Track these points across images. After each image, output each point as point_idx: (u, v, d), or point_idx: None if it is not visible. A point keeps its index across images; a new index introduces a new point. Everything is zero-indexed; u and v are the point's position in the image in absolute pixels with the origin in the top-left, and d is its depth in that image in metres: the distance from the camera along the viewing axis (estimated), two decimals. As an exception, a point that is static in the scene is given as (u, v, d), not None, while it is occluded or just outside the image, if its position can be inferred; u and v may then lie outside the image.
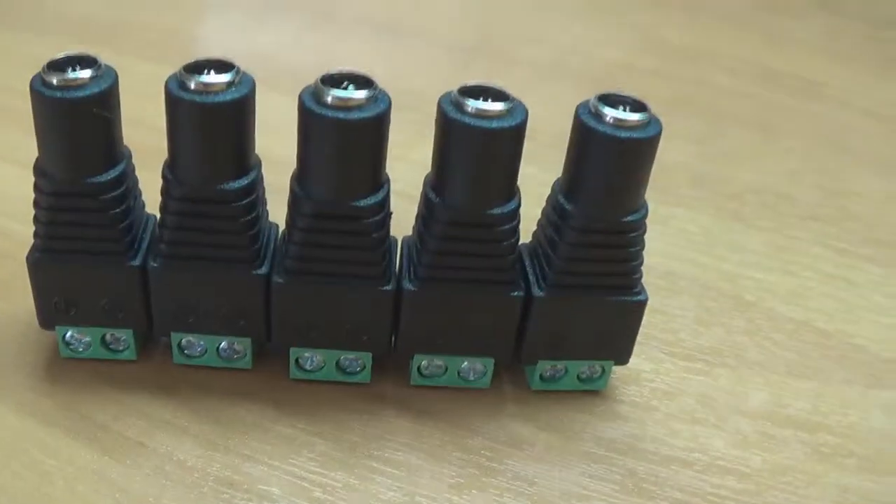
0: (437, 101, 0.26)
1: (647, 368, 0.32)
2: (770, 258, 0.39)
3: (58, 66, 0.26)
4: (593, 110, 0.26)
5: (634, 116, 0.26)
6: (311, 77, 0.26)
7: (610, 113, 0.26)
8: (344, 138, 0.26)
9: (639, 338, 0.32)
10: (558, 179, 0.29)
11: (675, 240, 0.39)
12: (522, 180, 0.28)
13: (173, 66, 0.26)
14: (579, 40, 0.59)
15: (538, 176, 0.29)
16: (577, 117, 0.27)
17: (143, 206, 0.29)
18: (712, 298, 0.36)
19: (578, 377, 0.31)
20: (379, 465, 0.28)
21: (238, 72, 0.26)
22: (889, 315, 0.36)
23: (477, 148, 0.26)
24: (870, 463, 0.30)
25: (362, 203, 0.27)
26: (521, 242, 0.29)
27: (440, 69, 0.54)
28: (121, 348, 0.30)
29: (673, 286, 0.36)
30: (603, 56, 0.57)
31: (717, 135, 0.48)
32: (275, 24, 0.57)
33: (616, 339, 0.30)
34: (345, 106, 0.25)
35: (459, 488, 0.28)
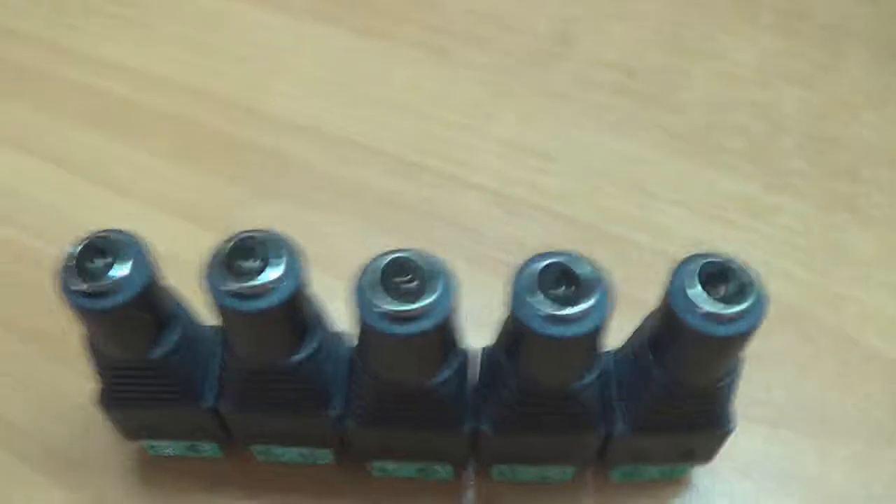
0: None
1: (731, 441, 0.31)
2: (879, 266, 0.35)
3: (83, 263, 0.23)
4: (685, 291, 0.23)
5: (735, 308, 0.23)
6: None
7: (704, 305, 0.23)
8: (405, 349, 0.23)
9: None
10: (648, 321, 0.26)
11: (775, 244, 0.35)
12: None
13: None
14: None
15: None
16: (668, 292, 0.23)
17: (207, 339, 0.27)
18: (811, 337, 0.33)
19: (661, 471, 0.30)
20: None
21: (285, 256, 0.23)
22: None
23: (553, 350, 0.23)
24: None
25: (433, 382, 0.25)
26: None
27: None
28: (205, 450, 0.30)
29: (770, 319, 0.33)
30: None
31: (832, 66, 0.42)
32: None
33: (699, 452, 0.29)
34: (406, 318, 0.23)
35: None
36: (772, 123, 0.39)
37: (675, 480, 0.30)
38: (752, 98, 0.40)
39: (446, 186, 0.37)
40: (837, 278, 0.35)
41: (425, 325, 0.22)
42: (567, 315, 0.22)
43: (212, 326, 0.27)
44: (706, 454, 0.29)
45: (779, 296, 0.34)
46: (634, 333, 0.27)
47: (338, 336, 0.28)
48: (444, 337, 0.24)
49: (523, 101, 0.40)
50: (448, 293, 0.23)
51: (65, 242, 0.23)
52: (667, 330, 0.24)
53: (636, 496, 0.30)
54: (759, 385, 0.32)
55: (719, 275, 0.23)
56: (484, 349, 0.27)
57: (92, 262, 0.23)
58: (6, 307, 0.34)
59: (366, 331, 0.24)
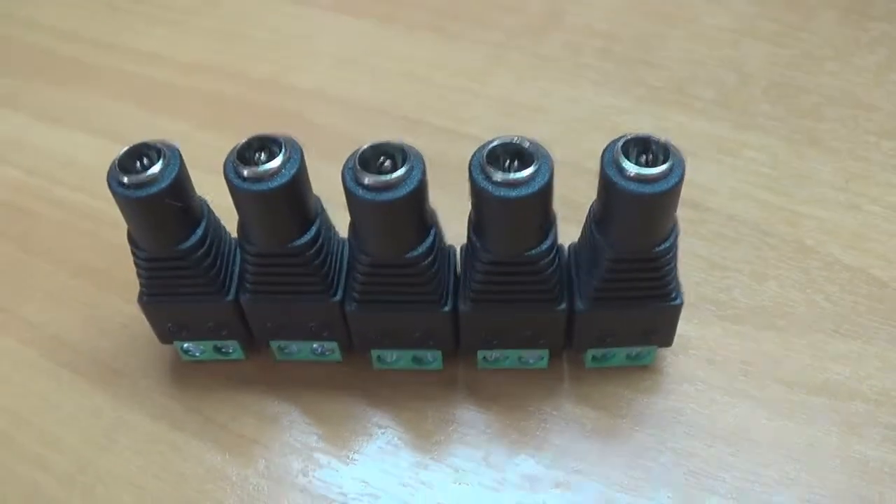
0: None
1: (695, 335, 0.37)
2: (838, 190, 0.41)
3: (126, 163, 0.31)
4: (615, 161, 0.29)
5: (656, 169, 0.29)
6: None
7: (631, 168, 0.29)
8: (383, 215, 0.30)
9: (693, 299, 0.36)
10: (594, 204, 0.32)
11: (743, 174, 0.42)
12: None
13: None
14: None
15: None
16: (602, 165, 0.30)
17: (229, 243, 0.35)
18: (772, 246, 0.39)
19: (627, 356, 0.36)
20: (449, 450, 0.35)
21: (286, 149, 0.30)
22: (950, 255, 0.38)
23: (506, 213, 0.30)
24: (893, 432, 0.34)
25: (413, 254, 0.31)
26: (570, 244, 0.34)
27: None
28: (231, 351, 0.37)
29: (734, 233, 0.39)
30: None
31: (802, 26, 0.49)
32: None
33: (657, 331, 0.35)
34: (383, 187, 0.29)
35: (510, 467, 0.34)
36: (742, 75, 0.46)
37: (644, 367, 0.36)
38: (724, 55, 0.47)
39: (445, 137, 0.44)
40: (799, 199, 0.41)
41: (398, 193, 0.29)
42: (513, 180, 0.29)
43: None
44: (665, 334, 0.35)
45: (742, 215, 0.40)
46: (584, 221, 0.33)
47: (339, 238, 0.35)
48: (415, 208, 0.31)
49: (517, 66, 0.48)
50: (416, 170, 0.30)
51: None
52: (605, 203, 0.31)
53: (608, 381, 0.36)
54: (720, 288, 0.38)
55: (642, 146, 0.30)
56: (462, 245, 0.34)
57: (134, 163, 0.31)
58: (69, 252, 0.42)
59: (352, 204, 0.30)
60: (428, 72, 0.48)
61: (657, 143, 0.30)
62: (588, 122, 0.44)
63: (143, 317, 0.36)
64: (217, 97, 0.48)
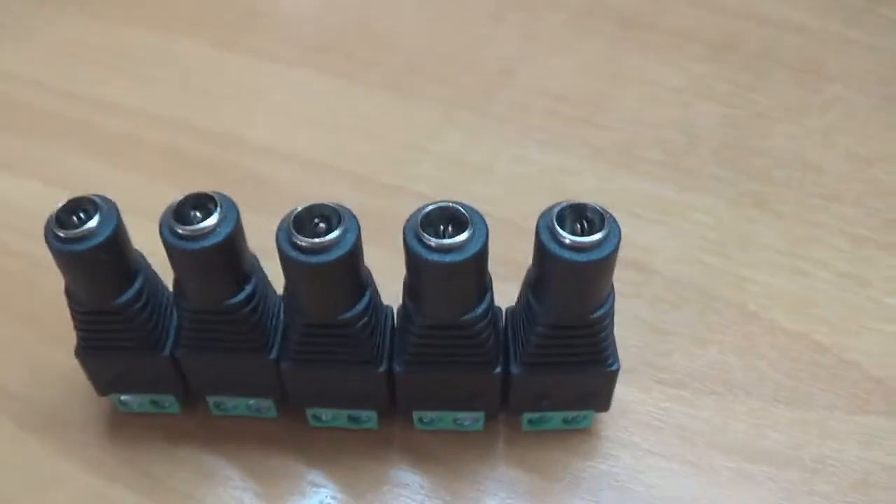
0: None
1: (635, 399, 0.37)
2: (784, 255, 0.41)
3: (63, 216, 0.31)
4: (550, 228, 0.30)
5: (591, 237, 0.29)
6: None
7: (566, 236, 0.29)
8: (317, 277, 0.30)
9: (632, 363, 0.36)
10: (530, 269, 0.32)
11: (688, 238, 0.42)
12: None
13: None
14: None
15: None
16: (537, 232, 0.30)
17: (167, 297, 0.35)
18: (715, 310, 0.39)
19: (564, 419, 0.36)
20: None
21: (222, 208, 0.30)
22: (892, 321, 0.39)
23: (439, 278, 0.30)
24: (828, 501, 0.34)
25: (346, 315, 0.32)
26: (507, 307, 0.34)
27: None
28: (167, 405, 0.37)
29: (677, 297, 0.40)
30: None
31: (755, 87, 0.49)
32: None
33: (594, 395, 0.35)
34: (317, 249, 0.29)
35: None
36: (690, 136, 0.46)
37: (582, 430, 0.36)
38: (674, 116, 0.48)
39: (393, 194, 0.44)
40: (743, 263, 0.41)
41: (332, 255, 0.29)
42: (447, 245, 0.29)
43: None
44: (602, 399, 0.35)
45: (685, 278, 0.41)
46: (521, 286, 0.33)
47: (276, 295, 0.35)
48: (349, 270, 0.31)
49: (467, 125, 0.48)
50: (351, 232, 0.30)
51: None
52: (540, 269, 0.31)
53: (544, 444, 0.36)
54: (661, 353, 0.38)
55: (578, 213, 0.30)
56: (399, 306, 0.34)
57: (70, 217, 0.31)
58: (13, 300, 0.42)
59: (286, 265, 0.30)
60: (379, 129, 0.49)
61: (593, 210, 0.30)
62: (533, 181, 0.45)
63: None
64: (171, 149, 0.48)
